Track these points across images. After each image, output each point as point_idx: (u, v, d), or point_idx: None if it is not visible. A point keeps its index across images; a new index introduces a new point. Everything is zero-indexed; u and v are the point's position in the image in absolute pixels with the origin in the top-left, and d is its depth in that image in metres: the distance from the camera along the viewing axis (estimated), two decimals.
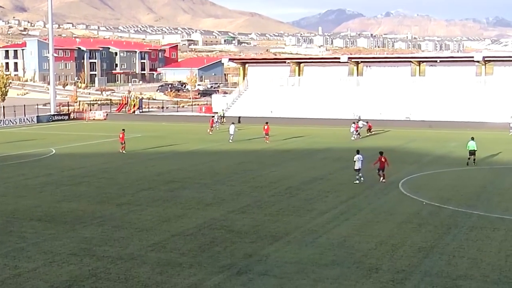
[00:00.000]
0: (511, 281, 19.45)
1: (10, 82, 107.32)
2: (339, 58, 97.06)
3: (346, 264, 21.20)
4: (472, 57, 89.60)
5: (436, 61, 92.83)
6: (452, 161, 45.77)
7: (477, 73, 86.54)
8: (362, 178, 36.12)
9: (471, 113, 76.27)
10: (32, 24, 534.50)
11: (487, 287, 19.00)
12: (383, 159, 36.12)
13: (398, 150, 51.84)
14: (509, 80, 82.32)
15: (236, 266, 21.08)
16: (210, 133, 65.75)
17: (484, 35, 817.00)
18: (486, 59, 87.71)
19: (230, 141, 57.38)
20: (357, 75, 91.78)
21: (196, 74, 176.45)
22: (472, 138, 43.83)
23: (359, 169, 36.09)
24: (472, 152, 43.00)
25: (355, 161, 36.27)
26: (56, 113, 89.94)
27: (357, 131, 60.41)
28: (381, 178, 36.22)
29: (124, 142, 50.75)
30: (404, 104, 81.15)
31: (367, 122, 65.71)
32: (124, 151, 50.34)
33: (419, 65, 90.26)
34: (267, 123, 58.65)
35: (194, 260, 21.69)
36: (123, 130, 51.86)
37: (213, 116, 73.08)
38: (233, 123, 60.83)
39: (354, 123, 61.77)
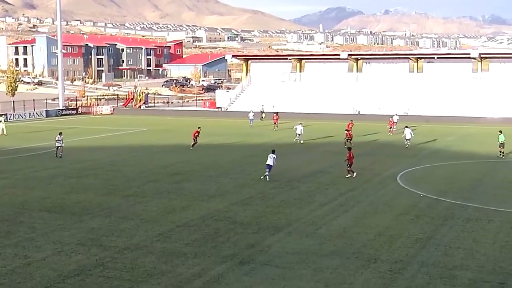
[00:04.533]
0: (506, 272, 19.48)
1: (20, 78, 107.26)
2: (339, 55, 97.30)
3: (345, 255, 21.23)
4: (469, 54, 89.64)
5: (433, 58, 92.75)
6: (448, 155, 45.75)
7: (474, 70, 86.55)
8: (268, 177, 34.83)
9: (467, 108, 76.27)
10: (41, 21, 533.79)
11: (482, 277, 19.02)
12: (352, 154, 35.72)
13: (397, 144, 51.78)
14: (505, 76, 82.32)
15: (239, 256, 21.12)
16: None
17: (480, 33, 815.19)
18: (482, 56, 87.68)
19: (300, 141, 52.21)
20: (357, 71, 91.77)
21: (200, 70, 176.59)
22: (500, 132, 43.96)
23: (270, 166, 35.15)
24: (501, 145, 43.30)
25: (268, 158, 35.64)
26: (64, 107, 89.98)
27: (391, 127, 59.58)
28: (352, 173, 35.45)
29: (196, 139, 48.56)
30: (402, 99, 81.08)
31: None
32: (191, 148, 48.16)
33: (417, 62, 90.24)
34: (351, 120, 56.35)
35: (198, 250, 21.73)
36: (199, 128, 49.91)
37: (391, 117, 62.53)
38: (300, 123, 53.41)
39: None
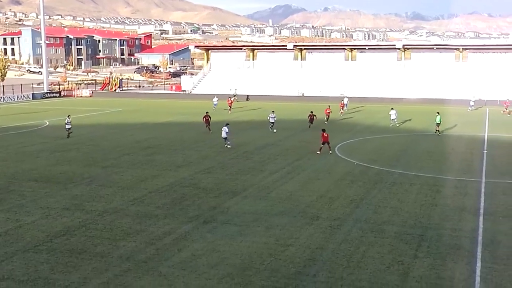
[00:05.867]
0: (424, 226, 19.99)
1: (9, 65, 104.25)
2: (286, 46, 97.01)
3: (292, 214, 21.43)
4: (394, 45, 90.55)
5: (365, 49, 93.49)
6: (378, 130, 46.43)
7: (398, 58, 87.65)
8: (229, 146, 36.19)
9: (393, 90, 77.42)
10: (26, 16, 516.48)
11: (405, 230, 19.46)
12: (325, 135, 34.43)
13: (335, 122, 52.25)
14: (423, 64, 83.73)
15: (203, 216, 21.12)
16: (342, 115, 57.19)
17: (403, 27, 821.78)
18: (405, 47, 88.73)
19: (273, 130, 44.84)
20: (301, 60, 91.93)
21: (167, 59, 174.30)
22: (438, 113, 43.61)
23: (225, 138, 36.17)
24: (438, 124, 42.74)
25: (222, 131, 36.30)
26: (48, 91, 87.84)
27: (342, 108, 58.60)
28: (320, 150, 34.29)
29: (209, 124, 44.01)
30: (339, 83, 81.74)
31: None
32: (210, 131, 43.31)
33: (351, 52, 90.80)
34: (329, 106, 52.83)
35: (168, 212, 21.65)
36: (207, 112, 46.10)
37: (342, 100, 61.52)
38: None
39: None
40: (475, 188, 25.57)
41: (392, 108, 49.68)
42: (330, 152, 34.42)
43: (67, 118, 42.10)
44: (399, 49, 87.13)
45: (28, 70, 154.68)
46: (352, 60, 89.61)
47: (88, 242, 18.28)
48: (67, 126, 41.49)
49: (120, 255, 17.17)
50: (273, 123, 44.92)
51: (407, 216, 21.07)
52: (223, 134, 36.22)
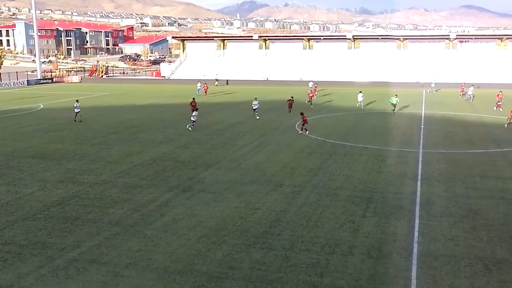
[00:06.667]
0: (371, 190, 20.32)
1: (4, 55, 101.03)
2: (252, 36, 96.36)
3: (259, 182, 21.53)
4: (345, 36, 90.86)
5: (320, 39, 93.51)
6: (331, 109, 46.73)
7: (349, 47, 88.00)
8: (191, 128, 34.62)
9: (344, 75, 77.89)
10: (20, 10, 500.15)
11: (356, 194, 19.78)
12: (304, 117, 33.64)
13: (295, 102, 52.30)
14: (370, 52, 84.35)
15: (182, 186, 21.06)
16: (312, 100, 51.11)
17: (353, 20, 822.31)
18: (354, 37, 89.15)
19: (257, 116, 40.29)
20: (265, 49, 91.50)
21: (147, 48, 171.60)
22: (396, 95, 43.42)
23: (194, 121, 34.88)
24: (394, 105, 42.51)
25: (192, 115, 35.40)
26: (42, 77, 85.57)
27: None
28: (306, 131, 33.01)
29: (194, 109, 38.37)
30: (298, 69, 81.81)
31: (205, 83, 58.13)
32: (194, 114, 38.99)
33: (309, 42, 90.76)
34: (311, 90, 50.15)
35: (151, 183, 21.51)
36: (194, 98, 42.82)
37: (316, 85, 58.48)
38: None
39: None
40: (414, 158, 26.08)
41: (360, 92, 48.62)
42: (308, 132, 32.98)
43: (76, 103, 40.24)
44: (349, 39, 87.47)
45: (33, 60, 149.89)
46: (309, 49, 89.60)
47: (81, 210, 18.07)
48: (76, 110, 39.69)
49: (110, 220, 17.04)
50: (255, 109, 40.89)
51: (357, 182, 21.40)
52: (194, 118, 35.66)
